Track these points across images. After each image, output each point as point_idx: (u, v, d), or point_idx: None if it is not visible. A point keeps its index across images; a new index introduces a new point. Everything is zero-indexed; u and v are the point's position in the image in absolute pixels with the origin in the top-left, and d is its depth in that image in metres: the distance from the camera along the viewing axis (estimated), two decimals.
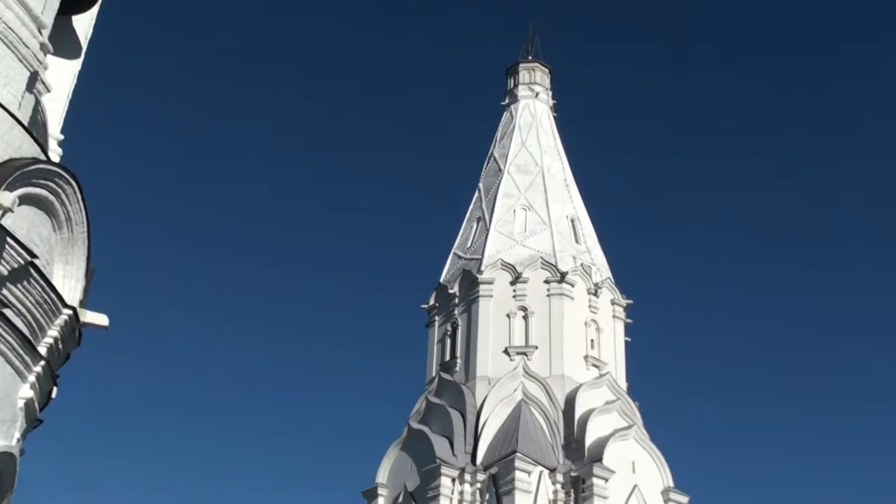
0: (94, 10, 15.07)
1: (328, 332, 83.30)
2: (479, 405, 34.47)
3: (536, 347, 35.82)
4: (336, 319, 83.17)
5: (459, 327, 37.46)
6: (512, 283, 37.22)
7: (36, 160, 12.00)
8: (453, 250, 40.35)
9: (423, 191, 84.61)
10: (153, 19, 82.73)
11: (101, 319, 13.18)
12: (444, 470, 32.56)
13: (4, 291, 11.48)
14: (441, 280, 39.46)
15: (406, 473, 34.16)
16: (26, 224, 11.89)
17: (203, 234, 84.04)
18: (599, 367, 36.09)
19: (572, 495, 32.31)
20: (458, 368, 36.51)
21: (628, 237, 74.43)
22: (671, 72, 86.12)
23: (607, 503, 31.90)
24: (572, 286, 37.12)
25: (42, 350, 12.23)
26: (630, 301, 38.85)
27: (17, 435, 12.07)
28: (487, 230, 39.13)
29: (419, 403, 36.13)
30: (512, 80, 44.87)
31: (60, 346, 12.62)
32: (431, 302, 39.24)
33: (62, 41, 14.27)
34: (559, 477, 32.53)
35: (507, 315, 36.70)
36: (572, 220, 39.80)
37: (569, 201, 40.48)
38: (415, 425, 34.88)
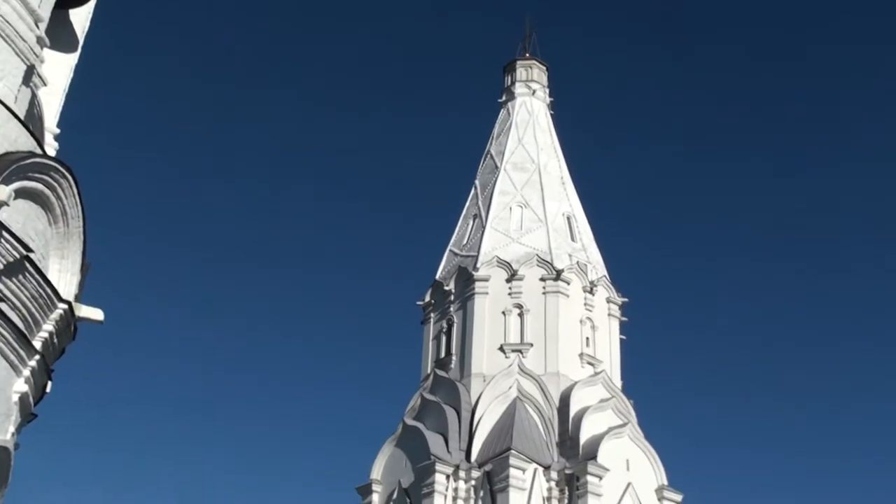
0: (91, 3, 15.05)
1: (323, 328, 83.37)
2: (473, 402, 34.50)
3: (532, 345, 35.85)
4: (331, 315, 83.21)
5: (455, 324, 37.49)
6: (508, 281, 37.25)
7: (32, 154, 11.98)
8: (449, 247, 40.37)
9: (420, 188, 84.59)
10: (150, 13, 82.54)
11: (96, 314, 13.17)
12: (438, 467, 32.59)
13: (0, 286, 11.48)
14: (437, 277, 39.48)
15: (401, 470, 34.19)
16: (22, 218, 11.87)
17: (199, 229, 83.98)
18: (594, 365, 36.14)
19: (566, 493, 32.37)
20: (453, 365, 36.53)
21: (624, 235, 74.47)
22: (669, 70, 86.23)
23: (601, 501, 31.95)
24: (568, 284, 37.16)
25: (37, 344, 12.22)
26: (625, 299, 38.91)
27: (12, 429, 12.06)
28: (483, 227, 39.14)
29: (414, 400, 36.17)
30: (509, 78, 44.86)
31: (55, 340, 12.61)
32: (427, 299, 39.26)
33: (59, 35, 14.25)
34: (553, 474, 32.59)
35: (503, 312, 36.72)
36: (568, 218, 39.82)
37: (565, 199, 40.50)
38: (409, 422, 34.90)
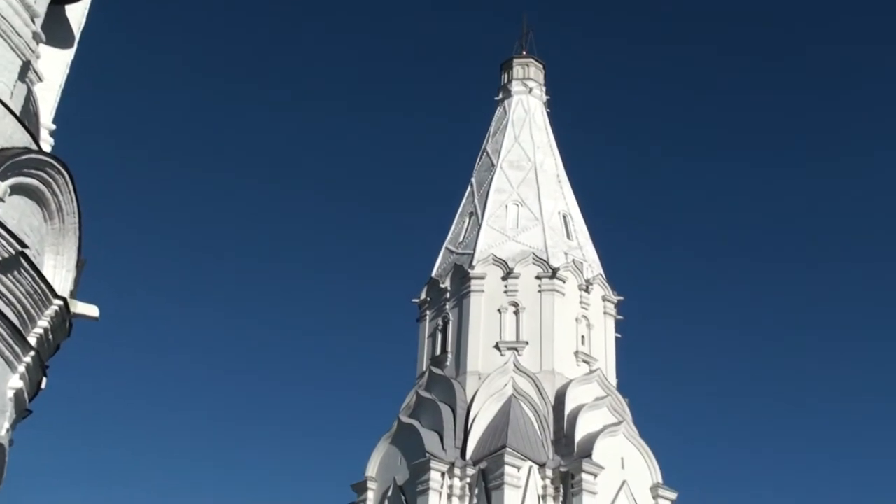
0: None
1: (319, 325, 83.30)
2: (469, 400, 34.51)
3: (527, 343, 35.86)
4: (327, 312, 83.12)
5: (450, 322, 37.49)
6: (503, 279, 37.24)
7: (27, 150, 11.97)
8: (445, 245, 40.36)
9: (416, 185, 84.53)
10: (147, 8, 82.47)
11: (91, 310, 13.17)
12: (433, 464, 32.59)
13: None
14: (432, 274, 39.47)
15: (396, 467, 34.20)
16: (17, 214, 11.86)
17: (195, 226, 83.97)
18: (590, 364, 36.16)
19: (561, 491, 32.38)
20: (448, 363, 36.54)
21: (620, 234, 74.53)
22: (665, 68, 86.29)
23: (596, 499, 31.97)
24: (563, 282, 37.17)
25: (32, 340, 12.21)
26: (621, 297, 38.92)
27: (7, 425, 12.05)
28: (479, 225, 39.14)
29: (409, 397, 36.16)
30: (506, 76, 44.85)
31: (50, 336, 12.60)
32: (423, 296, 39.25)
33: (55, 30, 14.23)
34: (548, 472, 32.60)
35: (499, 310, 36.73)
36: (564, 217, 39.83)
37: (561, 197, 40.51)
38: (405, 419, 34.91)
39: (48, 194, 12.32)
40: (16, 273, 11.73)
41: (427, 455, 32.77)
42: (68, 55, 14.80)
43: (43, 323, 12.31)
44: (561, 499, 32.27)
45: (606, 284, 38.75)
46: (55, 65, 14.40)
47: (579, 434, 33.17)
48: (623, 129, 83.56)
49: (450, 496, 32.48)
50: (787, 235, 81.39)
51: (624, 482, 32.96)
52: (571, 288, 37.42)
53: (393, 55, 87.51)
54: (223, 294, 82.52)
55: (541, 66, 45.09)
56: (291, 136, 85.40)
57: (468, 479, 32.63)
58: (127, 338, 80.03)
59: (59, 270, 12.69)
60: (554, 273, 37.00)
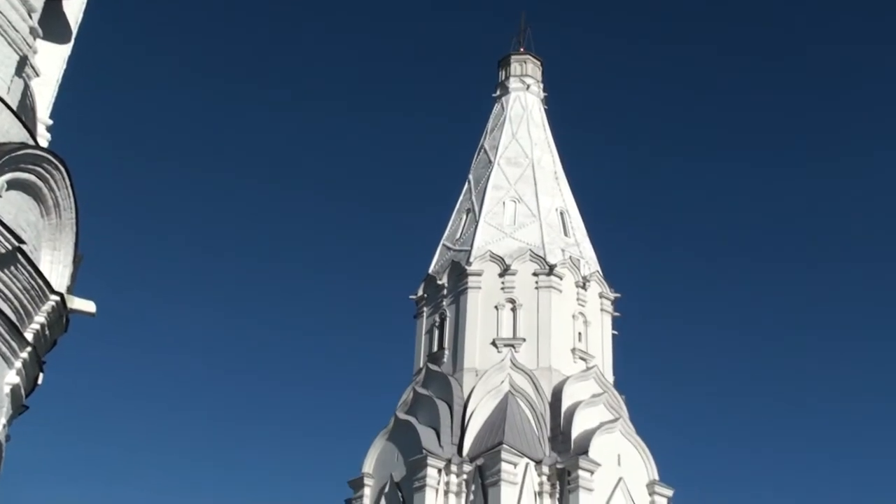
0: None
1: (316, 322, 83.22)
2: (466, 396, 34.52)
3: (524, 340, 35.87)
4: (324, 309, 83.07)
5: (447, 318, 37.48)
6: (500, 275, 37.24)
7: (24, 145, 11.94)
8: (442, 241, 40.35)
9: (413, 182, 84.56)
10: (145, 4, 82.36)
11: (88, 306, 13.15)
12: (430, 461, 32.60)
13: None
14: (430, 271, 39.46)
15: (392, 464, 34.21)
16: (14, 209, 11.84)
17: (192, 223, 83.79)
18: (587, 360, 36.18)
19: (558, 487, 32.41)
20: (445, 360, 36.54)
21: (617, 231, 74.50)
22: (665, 67, 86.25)
23: (592, 496, 32.01)
24: (561, 279, 37.17)
25: (28, 336, 12.19)
26: (618, 294, 38.94)
27: (3, 421, 12.04)
28: (477, 222, 39.13)
29: (406, 394, 36.17)
30: (503, 72, 44.82)
31: (47, 332, 12.59)
32: (420, 293, 39.24)
33: (52, 25, 14.20)
34: (545, 469, 32.62)
35: (496, 307, 36.73)
36: (561, 213, 39.83)
37: (558, 194, 40.51)
38: (402, 416, 34.91)
39: (45, 190, 12.30)
40: (12, 268, 11.71)
41: (424, 451, 32.78)
42: (65, 50, 14.77)
43: (39, 318, 12.29)
44: (557, 495, 32.31)
45: (603, 281, 38.76)
46: (52, 60, 14.37)
47: (576, 431, 33.19)
48: (621, 126, 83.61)
49: (446, 493, 32.50)
50: (787, 235, 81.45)
51: (620, 479, 33.00)
52: (568, 285, 37.43)
53: (390, 52, 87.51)
54: (220, 292, 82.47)
55: (538, 63, 45.07)
56: (287, 132, 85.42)
57: (465, 476, 32.65)
58: (124, 334, 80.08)
59: (56, 266, 12.67)
60: (551, 270, 37.01)
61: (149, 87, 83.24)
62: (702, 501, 57.37)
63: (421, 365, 37.23)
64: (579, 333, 36.82)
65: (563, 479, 32.37)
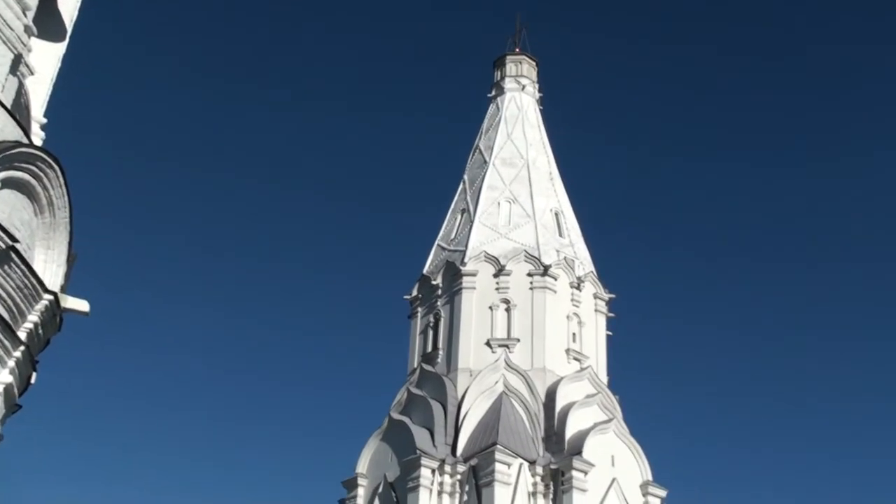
0: None
1: (310, 322, 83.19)
2: (460, 397, 34.51)
3: (518, 340, 35.87)
4: (318, 309, 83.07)
5: (442, 319, 37.48)
6: (495, 276, 37.25)
7: (18, 143, 11.92)
8: (437, 241, 40.34)
9: (408, 182, 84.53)
10: (147, 8, 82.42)
11: (81, 305, 13.12)
12: (424, 461, 32.59)
13: None
14: (424, 271, 39.45)
15: (386, 464, 34.19)
16: (7, 208, 11.81)
17: (186, 222, 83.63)
18: (581, 361, 36.19)
19: (552, 488, 32.42)
20: (439, 360, 36.53)
21: (612, 231, 74.46)
22: (662, 65, 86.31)
23: (586, 496, 32.02)
24: (555, 279, 37.19)
25: (22, 335, 12.16)
26: (612, 295, 38.96)
27: None
28: (472, 222, 39.13)
29: (400, 394, 36.15)
30: (499, 73, 44.82)
31: (40, 331, 12.55)
32: (414, 293, 39.22)
33: (47, 23, 14.16)
34: (539, 469, 32.63)
35: (490, 307, 36.73)
36: (556, 214, 39.85)
37: (553, 195, 40.53)
38: (396, 416, 34.90)
39: (39, 188, 12.27)
40: (6, 267, 11.68)
41: (418, 452, 32.77)
42: (60, 49, 14.73)
43: (33, 317, 12.26)
44: (551, 496, 32.31)
45: (598, 282, 38.79)
46: (47, 58, 14.34)
47: (570, 431, 33.20)
48: (620, 126, 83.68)
49: (440, 493, 32.49)
50: (787, 235, 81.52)
51: (614, 479, 33.02)
52: (563, 285, 37.45)
53: (386, 52, 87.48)
54: (213, 291, 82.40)
55: (534, 64, 45.08)
56: (282, 132, 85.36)
57: (459, 476, 32.65)
58: (118, 333, 79.90)
59: (50, 265, 12.64)
60: (546, 270, 37.02)
61: (149, 86, 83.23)
62: (696, 502, 57.47)
63: (415, 365, 37.21)
64: (573, 334, 36.83)
65: (557, 480, 32.38)
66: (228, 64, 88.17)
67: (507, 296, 36.79)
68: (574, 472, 31.97)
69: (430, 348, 37.25)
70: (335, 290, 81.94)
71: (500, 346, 35.78)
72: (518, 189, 39.89)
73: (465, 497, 32.26)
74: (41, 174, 12.22)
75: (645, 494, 33.78)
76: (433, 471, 32.68)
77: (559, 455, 32.75)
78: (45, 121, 14.37)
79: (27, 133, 12.57)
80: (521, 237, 38.22)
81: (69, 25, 14.91)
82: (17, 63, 12.66)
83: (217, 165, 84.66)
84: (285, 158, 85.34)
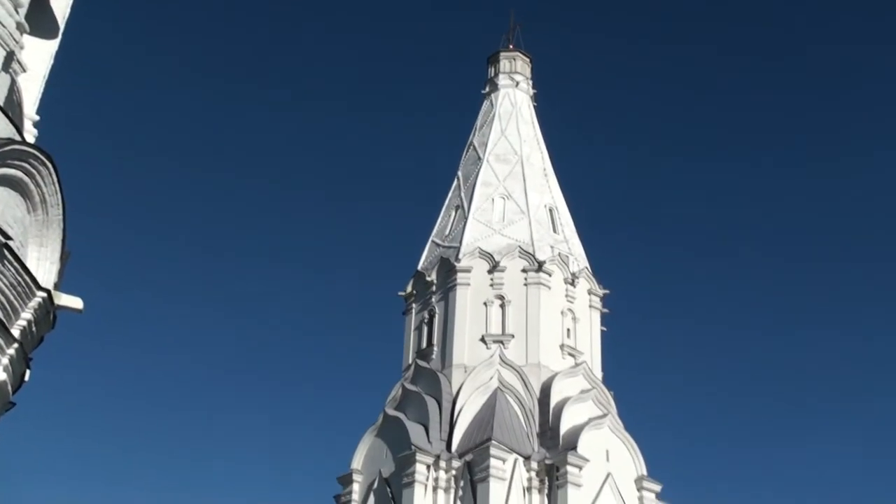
0: None
1: (305, 318, 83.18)
2: (454, 393, 34.56)
3: (513, 336, 35.92)
4: (313, 305, 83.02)
5: (436, 315, 37.51)
6: (489, 272, 37.29)
7: (11, 141, 11.91)
8: (431, 238, 40.36)
9: (403, 178, 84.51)
10: (144, 3, 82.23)
11: (75, 302, 13.13)
12: (419, 457, 32.63)
13: None
14: (419, 267, 39.47)
15: (381, 460, 34.23)
16: (0, 205, 11.81)
17: (181, 219, 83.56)
18: (575, 357, 36.26)
19: (546, 483, 32.49)
20: (434, 356, 36.57)
21: (606, 227, 74.67)
22: (662, 65, 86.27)
23: (581, 491, 32.10)
24: (549, 275, 37.23)
25: (15, 332, 12.17)
26: (606, 291, 39.02)
27: None
28: (466, 218, 39.15)
29: (395, 390, 36.19)
30: (493, 69, 44.81)
31: (34, 328, 12.56)
32: (409, 289, 39.24)
33: (39, 21, 14.14)
34: (534, 464, 32.69)
35: (484, 303, 36.77)
36: (550, 210, 39.89)
37: (547, 191, 40.56)
38: (390, 412, 34.93)
39: (32, 186, 12.27)
40: None
41: (413, 447, 32.81)
42: (52, 46, 14.72)
43: (26, 315, 12.26)
44: (546, 491, 32.39)
45: (592, 278, 38.84)
46: (39, 55, 14.33)
47: (564, 426, 33.28)
48: (618, 125, 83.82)
49: (435, 489, 32.54)
50: (787, 235, 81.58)
51: (609, 474, 33.10)
52: (557, 281, 37.50)
53: (380, 49, 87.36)
54: (207, 288, 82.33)
55: (528, 60, 45.07)
56: (277, 130, 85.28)
57: (454, 472, 32.70)
58: (111, 330, 79.88)
59: (43, 262, 12.65)
60: (540, 266, 37.06)
61: (148, 85, 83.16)
62: (690, 497, 57.46)
63: (410, 361, 37.25)
64: (568, 330, 36.89)
65: (552, 475, 32.45)
66: (228, 64, 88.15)
67: (501, 292, 36.83)
68: (569, 468, 32.04)
69: (424, 344, 37.29)
70: (330, 286, 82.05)
71: (494, 342, 35.83)
72: (512, 185, 39.91)
73: (461, 492, 32.32)
74: (34, 171, 12.22)
75: (640, 489, 33.87)
76: (428, 466, 32.73)
77: (554, 450, 32.82)
78: (37, 118, 14.36)
79: (20, 130, 12.58)
80: (515, 233, 38.25)
81: (61, 22, 14.89)
82: (9, 60, 12.66)
83: (216, 165, 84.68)
84: (275, 154, 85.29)
